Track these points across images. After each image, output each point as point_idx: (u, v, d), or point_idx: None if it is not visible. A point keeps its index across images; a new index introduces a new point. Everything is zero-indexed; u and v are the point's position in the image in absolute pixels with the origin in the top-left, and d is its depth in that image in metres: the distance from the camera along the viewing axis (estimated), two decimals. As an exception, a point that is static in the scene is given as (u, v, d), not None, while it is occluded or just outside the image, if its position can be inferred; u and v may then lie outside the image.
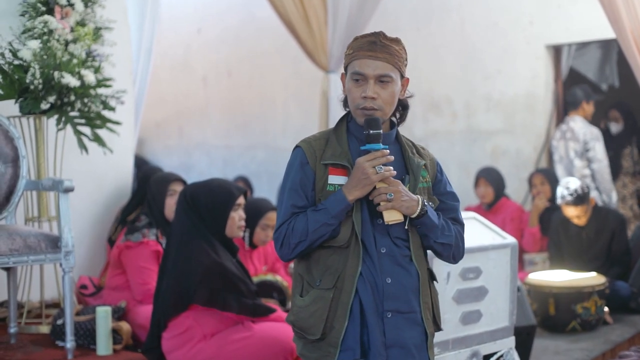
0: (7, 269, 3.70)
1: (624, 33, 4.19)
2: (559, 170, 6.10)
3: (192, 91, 8.75)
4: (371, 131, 2.23)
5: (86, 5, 4.09)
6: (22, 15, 4.00)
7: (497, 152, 6.74)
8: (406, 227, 2.28)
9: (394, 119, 2.37)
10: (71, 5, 4.00)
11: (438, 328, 2.40)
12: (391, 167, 2.23)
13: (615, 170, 6.32)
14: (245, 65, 8.29)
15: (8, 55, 3.87)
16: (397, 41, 2.30)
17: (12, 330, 3.74)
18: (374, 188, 2.23)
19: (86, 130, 4.27)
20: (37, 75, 3.80)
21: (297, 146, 2.34)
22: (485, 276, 3.37)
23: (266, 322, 3.50)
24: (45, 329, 3.93)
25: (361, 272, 2.24)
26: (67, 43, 3.98)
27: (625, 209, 6.40)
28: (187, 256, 3.41)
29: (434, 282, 2.41)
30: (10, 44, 3.91)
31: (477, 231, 3.46)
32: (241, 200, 3.57)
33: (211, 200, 3.49)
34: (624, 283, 5.03)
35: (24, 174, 3.73)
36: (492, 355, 3.45)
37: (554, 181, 5.79)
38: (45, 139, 4.04)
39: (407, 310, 2.28)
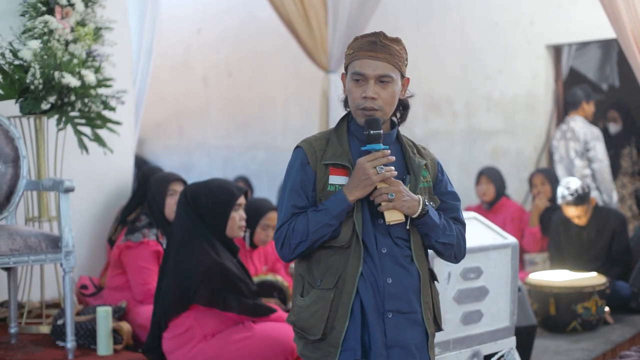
0: (8, 269, 3.70)
1: (625, 33, 4.19)
2: (560, 170, 6.10)
3: (192, 91, 8.75)
4: (371, 131, 2.22)
5: (86, 5, 4.09)
6: (23, 15, 4.00)
7: (497, 152, 6.74)
8: (407, 227, 2.28)
9: (394, 118, 2.37)
10: (71, 5, 4.00)
11: (439, 328, 2.40)
12: (392, 167, 2.23)
13: (614, 170, 6.32)
14: (246, 65, 8.29)
15: (8, 55, 3.87)
16: (397, 41, 2.30)
17: (13, 330, 3.74)
18: (375, 188, 2.23)
19: (86, 130, 4.27)
20: (38, 75, 3.80)
21: (297, 146, 2.34)
22: (486, 276, 3.37)
23: (267, 322, 3.50)
24: (45, 329, 3.93)
25: (362, 272, 2.24)
26: (67, 43, 3.98)
27: (624, 209, 6.40)
28: (187, 256, 3.41)
29: (435, 282, 2.41)
30: (10, 44, 3.91)
31: (478, 231, 3.46)
32: (242, 200, 3.57)
33: (212, 200, 3.49)
34: (625, 283, 5.03)
35: (24, 174, 3.73)
36: (493, 355, 3.45)
37: (554, 181, 5.79)
38: (45, 139, 4.03)
39: (408, 311, 2.28)
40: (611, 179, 6.04)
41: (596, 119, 6.54)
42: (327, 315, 2.24)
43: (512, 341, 3.50)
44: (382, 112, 2.26)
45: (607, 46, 7.16)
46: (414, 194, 2.26)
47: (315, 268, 2.29)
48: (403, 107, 2.38)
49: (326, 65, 5.96)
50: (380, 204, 2.22)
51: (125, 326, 3.71)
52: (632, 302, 4.98)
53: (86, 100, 4.05)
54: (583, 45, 6.99)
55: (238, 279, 3.43)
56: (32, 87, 3.82)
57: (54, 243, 3.51)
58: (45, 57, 3.85)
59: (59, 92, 3.92)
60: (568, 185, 5.09)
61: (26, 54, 3.84)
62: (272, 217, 4.42)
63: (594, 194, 5.80)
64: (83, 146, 4.18)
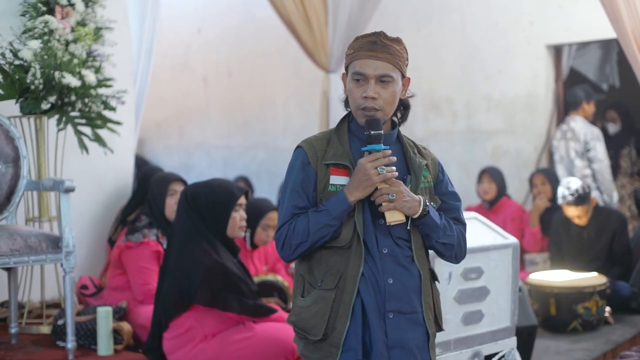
0: (8, 269, 3.70)
1: (625, 33, 4.19)
2: (560, 170, 6.10)
3: (192, 91, 8.75)
4: (372, 132, 2.22)
5: (87, 5, 4.08)
6: (23, 15, 3.99)
7: (497, 152, 6.74)
8: (408, 228, 2.28)
9: (395, 119, 2.37)
10: (72, 5, 4.00)
11: (440, 328, 2.40)
12: (394, 168, 2.23)
13: (614, 171, 6.32)
14: (246, 65, 8.28)
15: (9, 55, 3.87)
16: (397, 41, 2.30)
17: (13, 330, 3.73)
18: (376, 189, 2.22)
19: (87, 130, 4.26)
20: (38, 75, 3.80)
21: (298, 146, 2.34)
22: (486, 276, 3.36)
23: (267, 323, 3.50)
24: (46, 329, 3.92)
25: (363, 272, 2.24)
26: (67, 43, 3.98)
27: (624, 209, 6.39)
28: (188, 256, 3.41)
29: (436, 282, 2.41)
30: (10, 44, 3.90)
31: (479, 231, 3.45)
32: (242, 200, 3.57)
33: (212, 200, 3.49)
34: (625, 283, 5.02)
35: (24, 174, 3.72)
36: (493, 355, 3.44)
37: (554, 181, 5.80)
38: (45, 139, 4.03)
39: (409, 311, 2.28)
40: (611, 179, 6.04)
41: (595, 119, 6.54)
42: (328, 315, 2.23)
43: (512, 341, 3.50)
44: (382, 112, 2.26)
45: (608, 46, 7.16)
46: (414, 194, 2.26)
47: (316, 268, 2.29)
48: (404, 107, 2.37)
49: (326, 65, 5.96)
50: (381, 205, 2.22)
51: (126, 326, 3.71)
52: (632, 302, 4.98)
53: (86, 100, 4.05)
54: (583, 45, 6.99)
55: (239, 279, 3.42)
56: (32, 87, 3.82)
57: (55, 243, 3.51)
58: (45, 57, 3.84)
59: (59, 92, 3.92)
60: (568, 185, 5.09)
61: (26, 54, 3.84)
62: (273, 217, 4.42)
63: (595, 194, 5.79)
64: (83, 146, 4.18)
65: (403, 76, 2.30)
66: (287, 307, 4.21)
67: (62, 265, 3.53)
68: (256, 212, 4.34)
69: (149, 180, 4.29)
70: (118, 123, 4.30)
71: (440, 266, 3.05)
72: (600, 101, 6.55)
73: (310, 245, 2.24)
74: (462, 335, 3.28)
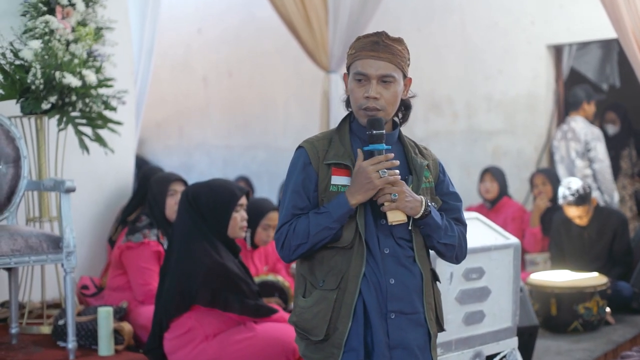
0: (9, 270, 3.70)
1: (625, 33, 4.19)
2: (561, 170, 6.10)
3: (192, 91, 8.74)
4: (374, 131, 2.22)
5: (87, 5, 4.08)
6: (23, 15, 3.99)
7: (498, 152, 6.74)
8: (410, 228, 2.28)
9: (396, 119, 2.37)
10: (72, 5, 3.99)
11: (441, 329, 2.39)
12: (397, 171, 2.22)
13: (614, 171, 6.31)
14: (246, 65, 8.28)
15: (9, 55, 3.87)
16: (399, 41, 2.29)
17: (14, 330, 3.73)
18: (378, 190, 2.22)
19: (87, 130, 4.26)
20: (39, 75, 3.79)
21: (300, 146, 2.33)
22: (488, 276, 3.36)
23: (268, 323, 3.50)
24: (46, 329, 3.92)
25: (365, 272, 2.24)
26: (68, 43, 3.97)
27: (625, 209, 6.39)
28: (189, 257, 3.41)
29: (437, 282, 2.41)
30: (11, 44, 3.90)
31: (480, 231, 3.45)
32: (243, 200, 3.56)
33: (213, 200, 3.49)
34: (626, 283, 5.02)
35: (25, 174, 3.72)
36: (495, 355, 3.44)
37: (555, 181, 5.80)
38: (46, 139, 4.03)
39: (411, 311, 2.28)
40: (612, 179, 6.04)
41: (593, 120, 6.54)
42: (329, 316, 2.23)
43: (514, 342, 3.50)
44: (384, 112, 2.26)
45: (608, 46, 7.15)
46: (416, 194, 2.26)
47: (317, 269, 2.28)
48: (405, 107, 2.37)
49: (327, 65, 5.96)
50: (383, 204, 2.22)
51: (127, 327, 3.71)
52: (633, 302, 4.98)
53: (87, 100, 4.05)
54: (584, 45, 6.99)
55: (239, 280, 3.42)
56: (33, 87, 3.82)
57: (55, 243, 3.51)
58: (46, 57, 3.84)
59: (60, 92, 3.92)
60: (569, 185, 5.09)
61: (27, 54, 3.83)
62: (273, 217, 4.42)
63: (595, 194, 5.79)
64: (84, 146, 4.17)
65: (405, 76, 2.30)
66: (287, 307, 4.21)
67: (62, 265, 3.52)
68: (257, 212, 4.34)
69: (149, 181, 4.29)
70: (119, 123, 4.29)
71: (442, 266, 3.04)
72: (599, 102, 6.55)
73: (310, 247, 2.24)
74: (463, 336, 3.28)
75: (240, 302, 3.40)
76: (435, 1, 7.01)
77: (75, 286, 3.88)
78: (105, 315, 3.57)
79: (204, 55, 8.60)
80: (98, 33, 4.13)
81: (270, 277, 4.39)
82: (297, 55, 6.65)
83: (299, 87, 7.80)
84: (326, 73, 6.00)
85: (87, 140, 4.22)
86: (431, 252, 2.38)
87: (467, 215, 2.92)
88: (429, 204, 2.27)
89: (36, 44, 3.83)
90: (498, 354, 3.45)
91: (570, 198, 5.05)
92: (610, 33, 4.86)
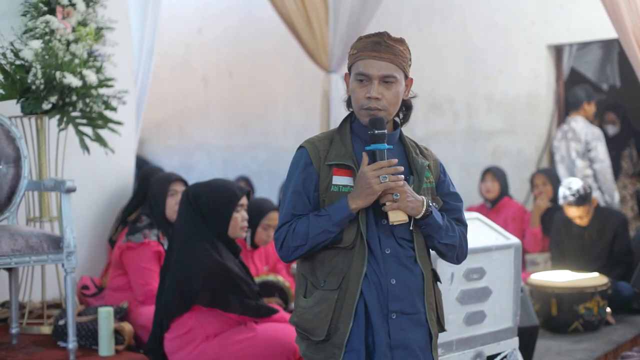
0: (9, 270, 3.69)
1: (626, 33, 4.19)
2: (561, 170, 6.10)
3: (192, 91, 8.74)
4: (376, 131, 2.22)
5: (88, 5, 4.08)
6: (24, 15, 3.99)
7: (498, 152, 6.74)
8: (411, 228, 2.28)
9: (397, 119, 2.37)
10: (73, 5, 3.99)
11: (442, 329, 2.39)
12: (401, 177, 2.21)
13: (615, 171, 6.32)
14: (246, 65, 8.28)
15: (10, 55, 3.87)
16: (401, 41, 2.29)
17: (14, 330, 3.73)
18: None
19: (88, 130, 4.26)
20: (39, 75, 3.79)
21: (301, 146, 2.33)
22: (489, 277, 3.36)
23: (269, 323, 3.49)
24: (46, 329, 3.92)
25: (366, 273, 2.24)
26: (68, 43, 3.97)
27: (626, 209, 6.40)
28: (189, 257, 3.41)
29: (438, 282, 2.41)
30: (11, 44, 3.90)
31: (481, 232, 3.45)
32: (244, 200, 3.56)
33: (214, 200, 3.48)
34: (626, 283, 5.02)
35: (25, 174, 3.72)
36: (495, 356, 3.44)
37: (555, 181, 5.79)
38: (46, 139, 4.03)
39: (412, 312, 2.27)
40: (613, 179, 6.04)
41: (594, 121, 6.54)
42: (330, 316, 2.23)
43: (515, 342, 3.49)
44: (386, 112, 2.25)
45: (608, 46, 7.15)
46: (417, 194, 2.26)
47: (318, 269, 2.28)
48: (406, 107, 2.37)
49: (327, 65, 5.95)
50: (384, 204, 2.22)
51: (127, 327, 3.71)
52: (633, 302, 4.98)
53: (87, 100, 4.05)
54: (584, 46, 6.98)
55: (240, 280, 3.42)
56: (33, 87, 3.81)
57: (56, 243, 3.51)
58: (46, 57, 3.84)
59: (61, 92, 3.92)
60: (570, 185, 5.09)
61: (27, 54, 3.83)
62: (274, 217, 4.41)
63: (596, 195, 5.79)
64: (85, 146, 4.17)
65: (406, 77, 2.30)
66: (288, 307, 4.21)
67: (63, 265, 3.52)
68: (257, 212, 4.34)
69: (149, 181, 4.29)
70: (119, 123, 4.29)
71: (443, 267, 3.04)
72: (598, 102, 6.56)
73: (309, 249, 2.24)
74: (464, 336, 3.27)
75: (241, 302, 3.40)
76: (435, 1, 7.01)
77: (75, 286, 3.88)
78: (105, 316, 3.56)
79: (204, 55, 8.60)
80: (98, 33, 4.13)
81: (271, 277, 4.39)
82: (298, 55, 6.65)
83: (299, 87, 7.80)
84: (326, 73, 6.00)
85: (87, 140, 4.22)
86: (432, 252, 2.38)
87: (467, 215, 2.93)
88: (430, 204, 2.27)
89: (37, 44, 3.83)
90: (499, 354, 3.45)
91: (571, 198, 5.05)
92: (610, 33, 4.86)
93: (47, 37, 3.87)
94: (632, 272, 5.11)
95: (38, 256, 3.45)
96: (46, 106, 3.89)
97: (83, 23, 4.06)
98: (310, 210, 2.27)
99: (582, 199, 5.04)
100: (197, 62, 8.68)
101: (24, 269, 4.04)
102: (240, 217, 3.53)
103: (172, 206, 4.11)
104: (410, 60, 2.31)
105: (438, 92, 6.98)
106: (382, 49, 2.23)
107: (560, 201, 5.16)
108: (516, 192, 6.41)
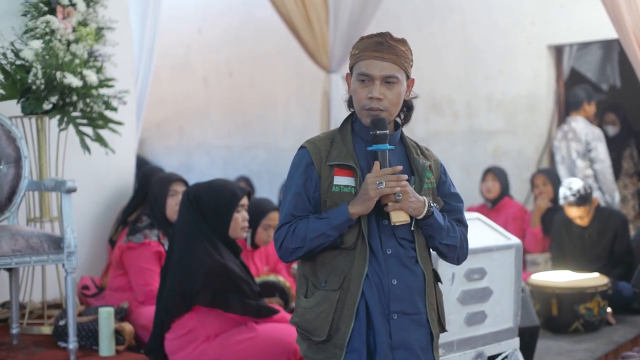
0: (9, 270, 3.69)
1: (626, 33, 4.19)
2: (561, 170, 6.10)
3: (192, 91, 8.74)
4: (377, 131, 2.22)
5: (88, 5, 4.08)
6: (24, 15, 3.99)
7: (498, 153, 6.73)
8: (412, 229, 2.28)
9: (398, 119, 2.37)
10: (73, 5, 3.99)
11: (443, 329, 2.39)
12: (405, 176, 2.21)
13: (616, 171, 6.32)
14: (246, 65, 8.28)
15: (10, 55, 3.87)
16: (403, 42, 2.29)
17: (14, 331, 3.73)
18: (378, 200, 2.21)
19: (88, 130, 4.26)
20: (39, 75, 3.79)
21: (302, 146, 2.33)
22: (489, 277, 3.36)
23: (269, 323, 3.49)
24: (47, 329, 3.92)
25: (367, 273, 2.24)
26: (69, 43, 3.97)
27: (627, 209, 6.40)
28: (190, 257, 3.41)
29: (439, 283, 2.41)
30: (12, 44, 3.90)
31: (482, 232, 3.45)
32: (244, 201, 3.56)
33: (214, 200, 3.48)
34: (627, 284, 5.02)
35: (26, 174, 3.72)
36: (496, 356, 3.44)
37: (556, 181, 5.79)
38: (47, 140, 4.03)
39: (413, 312, 2.27)
40: (613, 179, 6.04)
41: (594, 121, 6.54)
42: (332, 316, 2.23)
43: (515, 342, 3.49)
44: (387, 112, 2.25)
45: (609, 46, 7.15)
46: (418, 195, 2.26)
47: (320, 269, 2.28)
48: (407, 108, 2.37)
49: (327, 65, 5.95)
50: (386, 204, 2.21)
51: (128, 327, 3.71)
52: (634, 302, 4.98)
53: (88, 100, 4.05)
54: (584, 46, 6.98)
55: (241, 280, 3.42)
56: (33, 87, 3.81)
57: (56, 244, 3.50)
58: (47, 57, 3.84)
59: (61, 92, 3.92)
60: (570, 185, 5.09)
61: (28, 54, 3.83)
62: (274, 217, 4.41)
63: (596, 195, 5.79)
64: (85, 146, 4.17)
65: (408, 77, 2.30)
66: (288, 307, 4.20)
67: (63, 265, 3.52)
68: (257, 212, 4.34)
69: (149, 181, 4.29)
70: (119, 123, 4.29)
71: (444, 267, 3.04)
72: (599, 102, 6.56)
73: (307, 251, 2.24)
74: (465, 336, 3.27)
75: (242, 302, 3.40)
76: (435, 1, 7.01)
77: (76, 286, 3.87)
78: (106, 316, 3.56)
79: (204, 55, 8.60)
80: (99, 33, 4.13)
81: (271, 278, 4.39)
82: (298, 55, 6.65)
83: (299, 87, 7.80)
84: (327, 73, 5.99)
85: (88, 141, 4.22)
86: (433, 252, 2.38)
87: (468, 215, 2.92)
88: (432, 204, 2.27)
89: (37, 44, 3.83)
90: (500, 354, 3.45)
91: (571, 198, 5.05)
92: (610, 33, 4.86)
93: (47, 37, 3.87)
94: (633, 272, 5.11)
95: (38, 256, 3.45)
96: (47, 106, 3.89)
97: (83, 23, 4.06)
98: (310, 211, 2.27)
99: (583, 199, 5.04)
100: (197, 62, 8.68)
101: (24, 269, 4.04)
102: (240, 217, 3.53)
103: (172, 206, 4.10)
104: (412, 60, 2.31)
105: (438, 92, 6.98)
106: (384, 49, 2.23)
107: (561, 201, 5.16)
108: (516, 192, 6.40)
